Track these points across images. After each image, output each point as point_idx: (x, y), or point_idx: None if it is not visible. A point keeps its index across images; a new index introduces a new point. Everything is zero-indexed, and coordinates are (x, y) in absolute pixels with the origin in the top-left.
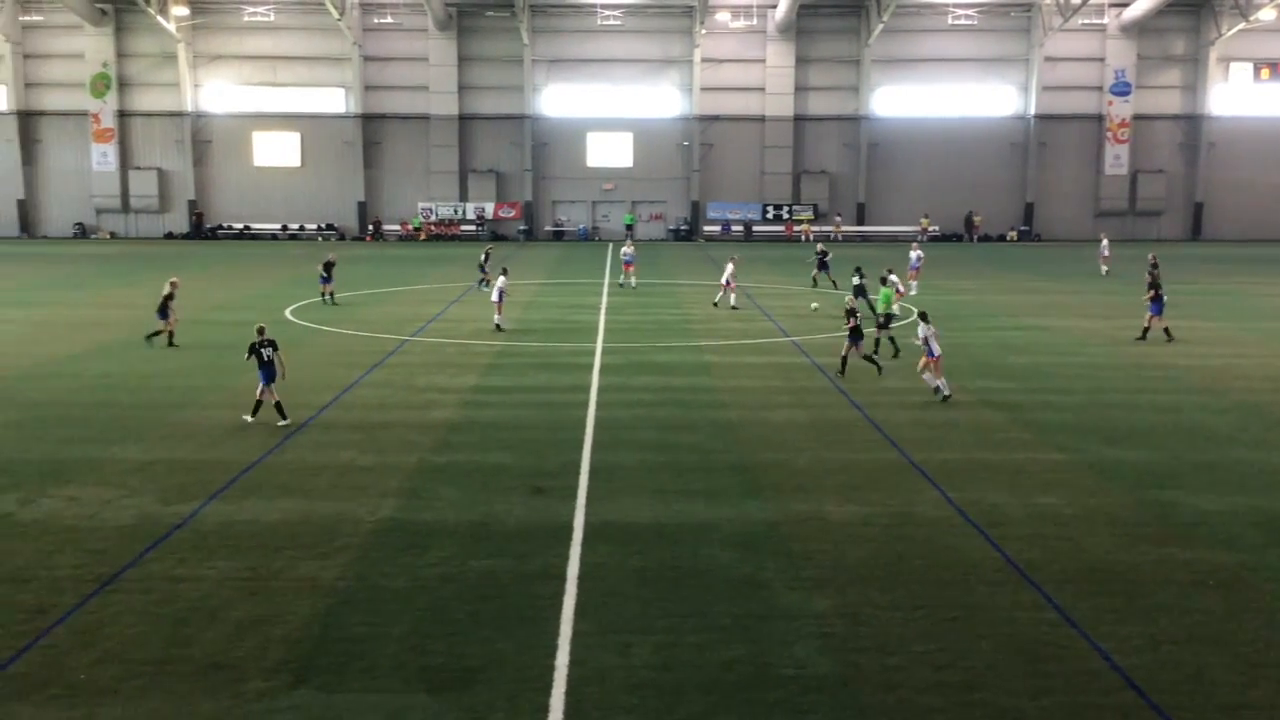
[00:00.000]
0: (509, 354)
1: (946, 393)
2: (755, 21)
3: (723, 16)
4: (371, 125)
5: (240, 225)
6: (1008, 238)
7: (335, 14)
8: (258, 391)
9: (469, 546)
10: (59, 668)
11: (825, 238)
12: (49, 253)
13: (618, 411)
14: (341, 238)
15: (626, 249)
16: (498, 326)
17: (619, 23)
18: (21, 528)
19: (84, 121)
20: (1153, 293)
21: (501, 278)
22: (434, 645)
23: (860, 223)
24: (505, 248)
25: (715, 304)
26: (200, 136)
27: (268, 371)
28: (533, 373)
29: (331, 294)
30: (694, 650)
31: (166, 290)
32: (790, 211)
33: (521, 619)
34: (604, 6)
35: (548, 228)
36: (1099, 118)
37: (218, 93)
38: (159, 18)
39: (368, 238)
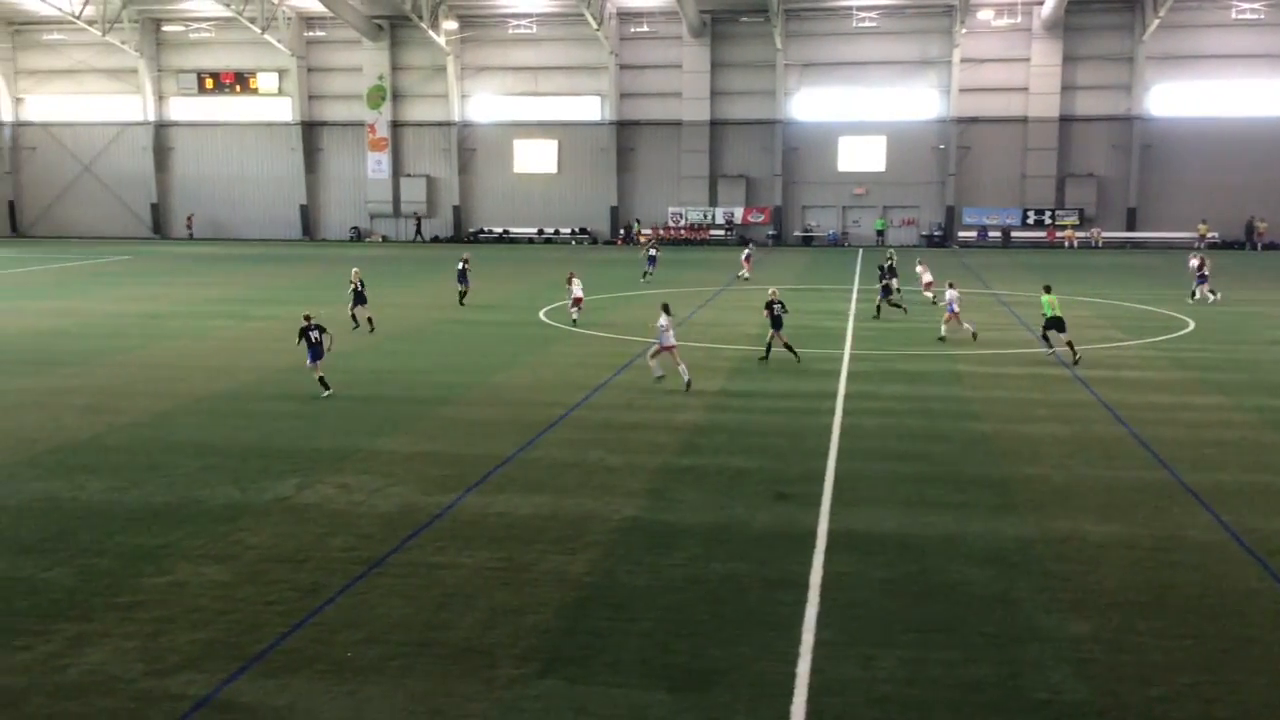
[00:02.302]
0: (755, 358)
1: (656, 374)
2: (1019, 19)
3: (985, 15)
4: (625, 131)
5: (500, 229)
6: None
7: (594, 24)
8: (310, 368)
9: (711, 549)
10: (328, 644)
11: (1087, 245)
12: (327, 254)
13: (864, 419)
14: (594, 241)
15: (653, 250)
16: (574, 321)
17: (874, 24)
18: (298, 511)
19: (360, 131)
20: None
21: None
22: (676, 644)
23: (1130, 228)
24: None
25: (901, 304)
26: (465, 145)
27: (315, 351)
28: (779, 378)
29: (462, 294)
30: (941, 667)
31: (356, 283)
32: (1053, 216)
33: (763, 624)
34: (859, 8)
35: (797, 233)
36: None
37: (482, 103)
38: (430, 32)
39: (618, 241)
